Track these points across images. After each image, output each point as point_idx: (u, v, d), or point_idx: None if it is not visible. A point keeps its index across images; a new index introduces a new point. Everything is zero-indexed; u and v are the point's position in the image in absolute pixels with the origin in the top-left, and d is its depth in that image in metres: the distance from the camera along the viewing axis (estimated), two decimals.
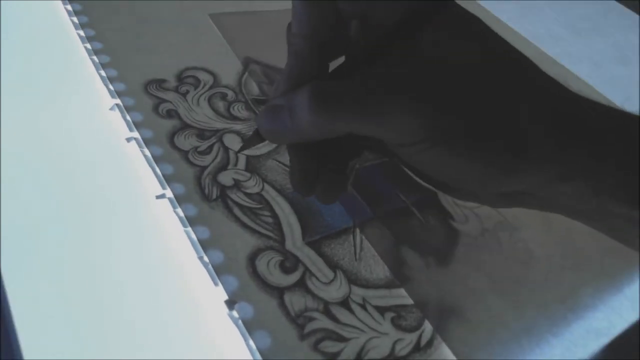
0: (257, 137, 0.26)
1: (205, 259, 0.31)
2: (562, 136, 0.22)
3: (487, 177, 0.23)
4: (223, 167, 0.36)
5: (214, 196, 0.34)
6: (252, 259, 0.32)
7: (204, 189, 0.35)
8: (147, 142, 0.36)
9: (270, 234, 0.33)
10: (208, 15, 0.49)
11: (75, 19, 0.44)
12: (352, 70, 0.23)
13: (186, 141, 0.37)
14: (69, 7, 0.45)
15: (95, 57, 0.41)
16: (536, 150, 0.22)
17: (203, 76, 0.43)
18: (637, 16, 0.76)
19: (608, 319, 0.36)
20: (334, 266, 0.33)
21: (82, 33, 0.43)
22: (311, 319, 0.30)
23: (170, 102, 0.40)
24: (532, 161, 0.22)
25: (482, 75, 0.22)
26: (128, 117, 0.37)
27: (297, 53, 0.23)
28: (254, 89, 0.43)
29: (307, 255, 0.33)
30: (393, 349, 0.30)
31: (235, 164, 0.37)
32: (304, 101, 0.21)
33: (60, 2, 0.45)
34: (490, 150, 0.22)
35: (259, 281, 0.31)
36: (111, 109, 0.38)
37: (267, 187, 0.36)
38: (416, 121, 0.21)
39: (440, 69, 0.22)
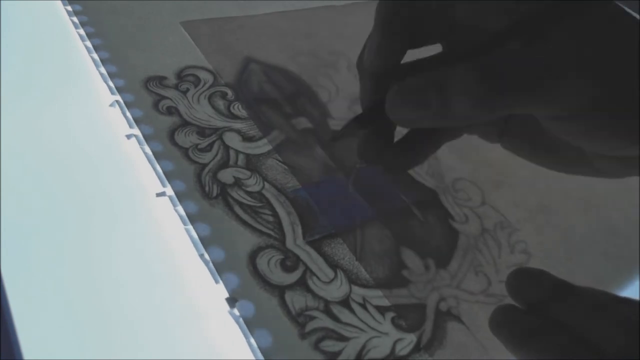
0: (356, 126, 0.24)
1: (206, 256, 0.31)
2: None
3: (624, 141, 0.22)
4: (223, 165, 0.36)
5: (215, 194, 0.34)
6: (252, 257, 0.32)
7: (205, 186, 0.34)
8: (148, 139, 0.36)
9: (271, 233, 0.33)
10: (179, 24, 0.47)
11: (75, 19, 0.44)
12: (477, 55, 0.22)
13: (186, 138, 0.37)
14: (69, 8, 0.45)
15: (95, 55, 0.41)
16: None
17: (203, 75, 0.43)
18: (637, 16, 0.76)
19: None
20: (334, 265, 0.33)
21: (81, 32, 0.43)
22: (312, 318, 0.30)
23: (171, 99, 0.40)
24: None
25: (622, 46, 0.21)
26: (128, 114, 0.37)
27: (371, 73, 0.24)
28: (254, 88, 0.43)
29: (308, 254, 0.33)
30: (393, 348, 0.30)
31: (236, 162, 0.37)
32: (468, 81, 0.19)
33: (60, 3, 0.45)
34: (629, 115, 0.21)
35: (259, 279, 0.31)
36: (111, 105, 0.38)
37: (267, 185, 0.36)
38: (585, 89, 0.20)
39: (582, 43, 0.21)
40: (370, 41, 0.24)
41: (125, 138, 0.36)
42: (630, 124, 0.20)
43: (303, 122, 0.41)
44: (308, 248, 0.33)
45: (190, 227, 0.32)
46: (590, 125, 0.21)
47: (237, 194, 0.35)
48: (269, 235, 0.33)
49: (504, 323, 0.22)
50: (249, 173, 0.36)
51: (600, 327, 0.19)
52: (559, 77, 0.20)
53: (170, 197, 0.33)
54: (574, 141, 0.23)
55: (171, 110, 0.39)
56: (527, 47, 0.21)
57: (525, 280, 0.23)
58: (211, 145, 0.37)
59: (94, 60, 0.41)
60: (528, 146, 0.26)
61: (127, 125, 0.37)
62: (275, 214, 0.34)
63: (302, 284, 0.31)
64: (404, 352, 0.30)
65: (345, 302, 0.31)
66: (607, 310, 0.20)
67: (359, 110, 0.25)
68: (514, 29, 0.21)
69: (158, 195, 0.33)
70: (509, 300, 0.23)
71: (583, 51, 0.20)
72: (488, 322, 0.23)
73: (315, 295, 0.31)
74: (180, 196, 0.33)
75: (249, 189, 0.35)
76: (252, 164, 0.37)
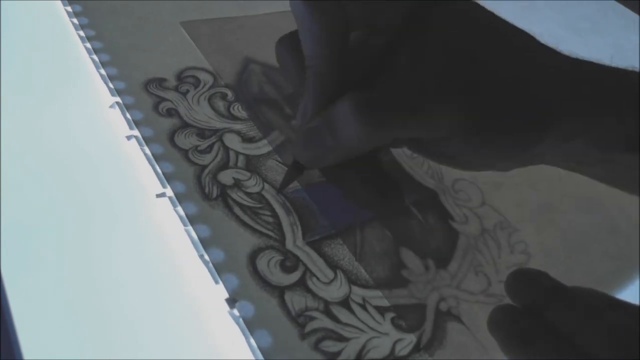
0: (295, 170, 0.25)
1: (206, 257, 0.31)
2: (572, 100, 0.23)
3: (514, 150, 0.23)
4: (223, 166, 0.36)
5: (215, 195, 0.34)
6: (252, 257, 0.32)
7: (204, 187, 0.34)
8: (148, 141, 0.36)
9: (271, 233, 0.33)
10: (179, 24, 0.48)
11: (75, 20, 0.44)
12: (370, 77, 0.22)
13: (186, 140, 0.37)
14: (69, 9, 0.45)
15: (95, 57, 0.41)
16: (548, 116, 0.22)
17: (203, 76, 0.43)
18: (637, 16, 0.76)
19: None
20: (334, 266, 0.33)
21: (82, 33, 0.43)
22: (312, 319, 0.30)
23: (171, 101, 0.40)
24: (549, 129, 0.23)
25: (495, 56, 0.22)
26: (128, 115, 0.37)
27: (318, 74, 0.22)
28: (254, 89, 0.43)
29: (308, 254, 0.33)
30: (393, 349, 0.30)
31: (236, 163, 0.37)
32: (347, 116, 0.20)
33: (60, 3, 0.45)
34: (516, 126, 0.22)
35: (259, 280, 0.31)
36: (111, 106, 0.38)
37: (267, 186, 0.36)
38: (463, 114, 0.21)
39: (460, 58, 0.22)
40: (306, 33, 0.22)
41: (125, 139, 0.36)
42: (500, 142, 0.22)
43: None
44: (308, 249, 0.33)
45: (190, 228, 0.32)
46: (467, 147, 0.23)
47: (237, 195, 0.35)
48: (268, 236, 0.33)
49: (501, 323, 0.22)
50: (248, 174, 0.36)
51: (591, 333, 0.20)
52: (433, 102, 0.21)
53: (170, 198, 0.33)
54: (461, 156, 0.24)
55: (171, 112, 0.39)
56: (408, 68, 0.22)
57: (524, 281, 0.23)
58: (211, 146, 0.37)
59: (93, 61, 0.41)
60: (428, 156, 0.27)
61: (127, 127, 0.37)
62: (275, 215, 0.34)
63: (302, 285, 0.31)
64: (403, 353, 0.30)
65: (345, 303, 0.31)
66: (600, 317, 0.20)
67: None
68: (400, 37, 0.22)
69: (158, 196, 0.33)
70: (508, 300, 0.23)
71: (453, 71, 0.21)
72: (487, 321, 0.23)
73: (315, 296, 0.31)
74: (180, 197, 0.33)
75: (248, 190, 0.35)
76: (252, 165, 0.37)
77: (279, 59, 0.25)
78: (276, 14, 0.52)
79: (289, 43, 0.24)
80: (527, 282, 0.23)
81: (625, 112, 0.24)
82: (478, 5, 0.24)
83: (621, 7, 0.78)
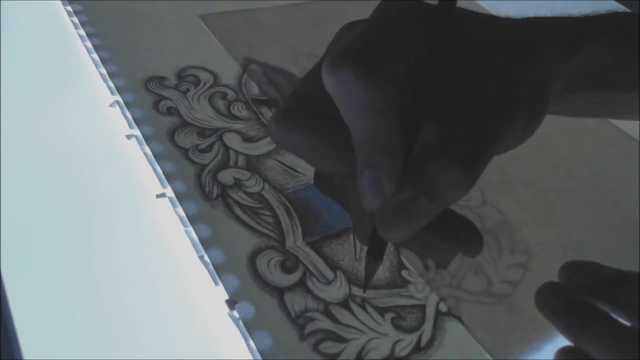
0: (375, 260, 0.22)
1: (206, 258, 0.31)
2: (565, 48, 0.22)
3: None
4: (223, 165, 0.36)
5: (215, 195, 0.34)
6: (252, 258, 0.32)
7: (205, 187, 0.34)
8: (148, 139, 0.36)
9: (271, 234, 0.33)
10: (198, 17, 0.49)
11: (75, 19, 0.44)
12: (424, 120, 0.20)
13: (186, 139, 0.37)
14: (69, 8, 0.45)
15: (95, 55, 0.41)
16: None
17: (203, 75, 0.43)
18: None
19: None
20: (334, 266, 0.33)
21: (82, 32, 0.43)
22: (311, 320, 0.30)
23: (171, 100, 0.40)
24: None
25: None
26: (128, 114, 0.37)
27: (389, 148, 0.19)
28: (254, 88, 0.43)
29: (308, 255, 0.33)
30: (393, 349, 0.30)
31: (236, 163, 0.37)
32: (451, 177, 0.18)
33: (60, 3, 0.45)
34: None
35: (259, 281, 0.31)
36: (111, 105, 0.38)
37: (267, 186, 0.36)
38: (529, 115, 0.21)
39: (499, 71, 0.21)
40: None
41: (125, 138, 0.36)
42: None
43: None
44: (308, 249, 0.33)
45: (190, 228, 0.32)
46: None
47: (237, 194, 0.35)
48: (268, 236, 0.33)
49: (558, 305, 0.23)
50: (249, 174, 0.36)
51: None
52: (503, 121, 0.20)
53: (170, 199, 0.33)
54: None
55: (171, 111, 0.39)
56: (461, 95, 0.21)
57: (581, 269, 0.23)
58: (211, 146, 0.37)
59: (94, 60, 0.41)
60: None
61: (127, 126, 0.37)
62: (275, 215, 0.34)
63: (301, 286, 0.31)
64: (403, 353, 0.30)
65: (344, 304, 0.31)
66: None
67: None
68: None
69: (158, 196, 0.33)
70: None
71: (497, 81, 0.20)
72: (538, 302, 0.23)
73: (315, 297, 0.31)
74: (181, 197, 0.33)
75: (249, 190, 0.35)
76: (252, 164, 0.37)
77: (281, 142, 0.21)
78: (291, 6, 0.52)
79: (293, 120, 0.21)
80: (585, 270, 0.23)
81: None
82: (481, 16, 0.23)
83: (621, 8, 0.78)
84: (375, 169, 0.19)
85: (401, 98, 0.19)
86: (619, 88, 0.25)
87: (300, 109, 0.20)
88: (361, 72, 0.18)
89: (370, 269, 0.23)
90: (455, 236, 0.23)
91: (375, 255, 0.22)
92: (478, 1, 0.67)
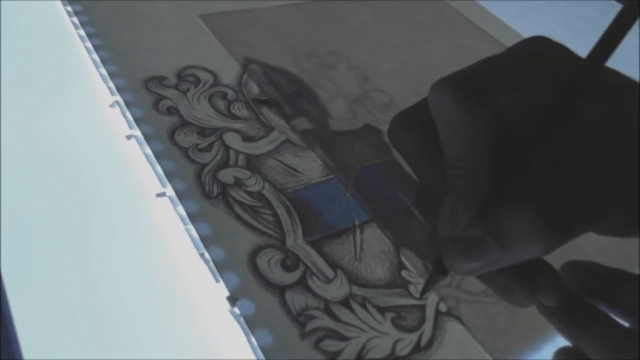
0: (440, 273, 0.22)
1: (207, 255, 0.31)
2: None
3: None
4: (224, 164, 0.36)
5: (215, 193, 0.34)
6: (253, 256, 0.32)
7: (205, 186, 0.34)
8: (148, 138, 0.36)
9: (271, 232, 0.33)
10: (198, 17, 0.49)
11: (75, 19, 0.44)
12: (522, 170, 0.19)
13: (186, 138, 0.37)
14: (69, 8, 0.45)
15: (95, 55, 0.41)
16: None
17: (203, 75, 0.43)
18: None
19: None
20: (334, 266, 0.33)
21: (82, 32, 0.43)
22: (312, 318, 0.30)
23: (171, 99, 0.40)
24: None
25: None
26: (128, 114, 0.37)
27: (469, 177, 0.19)
28: (254, 88, 0.43)
29: (308, 254, 0.33)
30: (394, 348, 0.30)
31: (236, 162, 0.37)
32: (528, 232, 0.18)
33: (60, 3, 0.45)
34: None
35: (260, 278, 0.31)
36: (111, 105, 0.38)
37: (267, 185, 0.36)
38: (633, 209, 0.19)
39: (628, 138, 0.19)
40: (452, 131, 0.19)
41: (125, 139, 0.36)
42: None
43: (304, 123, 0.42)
44: (308, 248, 0.33)
45: (190, 226, 0.32)
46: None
47: (237, 193, 0.35)
48: (269, 235, 0.33)
49: (558, 308, 0.22)
50: (249, 173, 0.36)
51: None
52: (607, 201, 0.19)
53: (170, 198, 0.33)
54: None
55: (171, 110, 0.39)
56: (569, 155, 0.19)
57: (581, 269, 0.23)
58: (211, 145, 0.37)
59: (93, 60, 0.41)
60: None
61: (127, 126, 0.37)
62: (275, 214, 0.34)
63: (302, 284, 0.31)
64: (404, 352, 0.30)
65: (345, 302, 0.31)
66: None
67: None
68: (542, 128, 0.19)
69: (158, 195, 0.33)
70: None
71: (621, 161, 0.19)
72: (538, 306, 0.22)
73: (315, 295, 0.31)
74: (181, 195, 0.33)
75: (249, 189, 0.35)
76: (252, 164, 0.37)
77: (394, 142, 0.22)
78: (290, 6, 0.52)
79: (409, 125, 0.21)
80: (584, 271, 0.22)
81: None
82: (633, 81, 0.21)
83: (621, 8, 0.78)
84: (455, 195, 0.19)
85: (492, 131, 0.18)
86: None
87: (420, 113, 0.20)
88: (457, 97, 0.17)
89: (432, 280, 0.22)
90: (531, 280, 0.21)
91: (441, 270, 0.21)
92: (478, 1, 0.67)
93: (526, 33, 0.62)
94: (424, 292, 0.24)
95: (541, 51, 0.20)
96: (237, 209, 0.34)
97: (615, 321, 0.21)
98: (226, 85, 0.43)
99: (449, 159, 0.19)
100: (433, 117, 0.18)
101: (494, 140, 0.19)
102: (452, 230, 0.20)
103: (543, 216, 0.18)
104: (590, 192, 0.18)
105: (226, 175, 0.36)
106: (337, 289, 0.32)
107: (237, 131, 0.39)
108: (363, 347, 0.30)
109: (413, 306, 0.33)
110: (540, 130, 0.19)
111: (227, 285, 0.30)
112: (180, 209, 0.33)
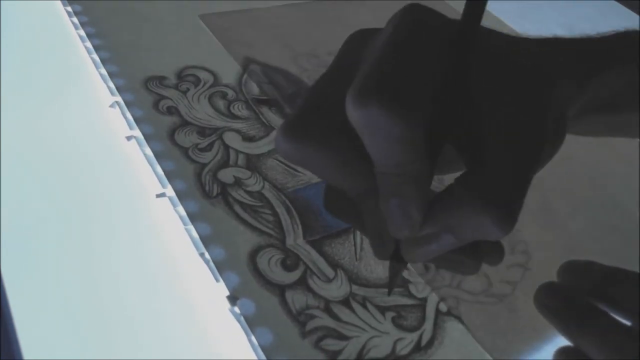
0: (399, 265, 0.22)
1: (207, 255, 0.31)
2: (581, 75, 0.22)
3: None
4: (224, 164, 0.36)
5: (215, 193, 0.34)
6: (253, 256, 0.32)
7: (205, 185, 0.34)
8: (148, 138, 0.36)
9: (271, 232, 0.33)
10: (198, 17, 0.49)
11: (75, 20, 0.44)
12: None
13: (186, 138, 0.37)
14: (69, 9, 0.45)
15: (95, 56, 0.41)
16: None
17: (203, 75, 0.43)
18: (637, 16, 0.76)
19: None
20: (334, 265, 0.33)
21: (82, 32, 0.43)
22: (312, 317, 0.30)
23: (171, 99, 0.40)
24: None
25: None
26: (128, 115, 0.37)
27: (416, 177, 0.19)
28: (254, 88, 0.43)
29: (308, 253, 0.33)
30: (394, 348, 0.30)
31: (236, 162, 0.37)
32: (481, 219, 0.18)
33: (60, 3, 0.45)
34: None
35: (260, 278, 0.31)
36: (111, 106, 0.38)
37: (267, 185, 0.36)
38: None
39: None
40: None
41: (125, 139, 0.36)
42: None
43: None
44: (308, 247, 0.33)
45: (190, 226, 0.32)
46: None
47: (237, 193, 0.35)
48: (269, 235, 0.33)
49: (557, 305, 0.22)
50: (249, 173, 0.36)
51: None
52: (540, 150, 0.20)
53: (170, 198, 0.33)
54: None
55: (171, 110, 0.39)
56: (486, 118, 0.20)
57: (579, 269, 0.23)
58: (211, 145, 0.37)
59: (93, 60, 0.41)
60: None
61: (127, 127, 0.37)
62: (275, 214, 0.34)
63: (302, 283, 0.31)
64: (404, 352, 0.30)
65: (345, 302, 0.31)
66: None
67: None
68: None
69: (158, 196, 0.33)
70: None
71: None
72: (536, 303, 0.23)
73: (315, 295, 0.31)
74: (181, 195, 0.33)
75: (249, 189, 0.35)
76: (253, 163, 0.37)
77: (294, 156, 0.20)
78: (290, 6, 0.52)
79: (313, 135, 0.20)
80: (584, 270, 0.23)
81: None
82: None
83: (621, 7, 0.78)
84: (403, 199, 0.19)
85: (428, 125, 0.18)
86: (631, 110, 0.25)
87: (311, 122, 0.19)
88: (390, 107, 0.17)
89: (394, 274, 0.22)
90: (476, 248, 0.22)
91: (399, 260, 0.21)
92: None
93: (526, 33, 0.62)
94: (390, 288, 0.24)
95: (423, 24, 0.19)
96: (237, 208, 0.34)
97: (615, 320, 0.21)
98: (226, 85, 0.43)
99: (385, 167, 0.19)
100: (357, 129, 0.18)
101: (427, 134, 0.18)
102: (410, 232, 0.20)
103: (500, 211, 0.18)
104: (521, 162, 0.19)
105: (226, 175, 0.36)
106: (337, 289, 0.32)
107: (237, 131, 0.39)
108: (363, 347, 0.30)
109: (413, 306, 0.33)
110: (449, 106, 0.19)
111: (227, 285, 0.30)
112: (180, 208, 0.33)
